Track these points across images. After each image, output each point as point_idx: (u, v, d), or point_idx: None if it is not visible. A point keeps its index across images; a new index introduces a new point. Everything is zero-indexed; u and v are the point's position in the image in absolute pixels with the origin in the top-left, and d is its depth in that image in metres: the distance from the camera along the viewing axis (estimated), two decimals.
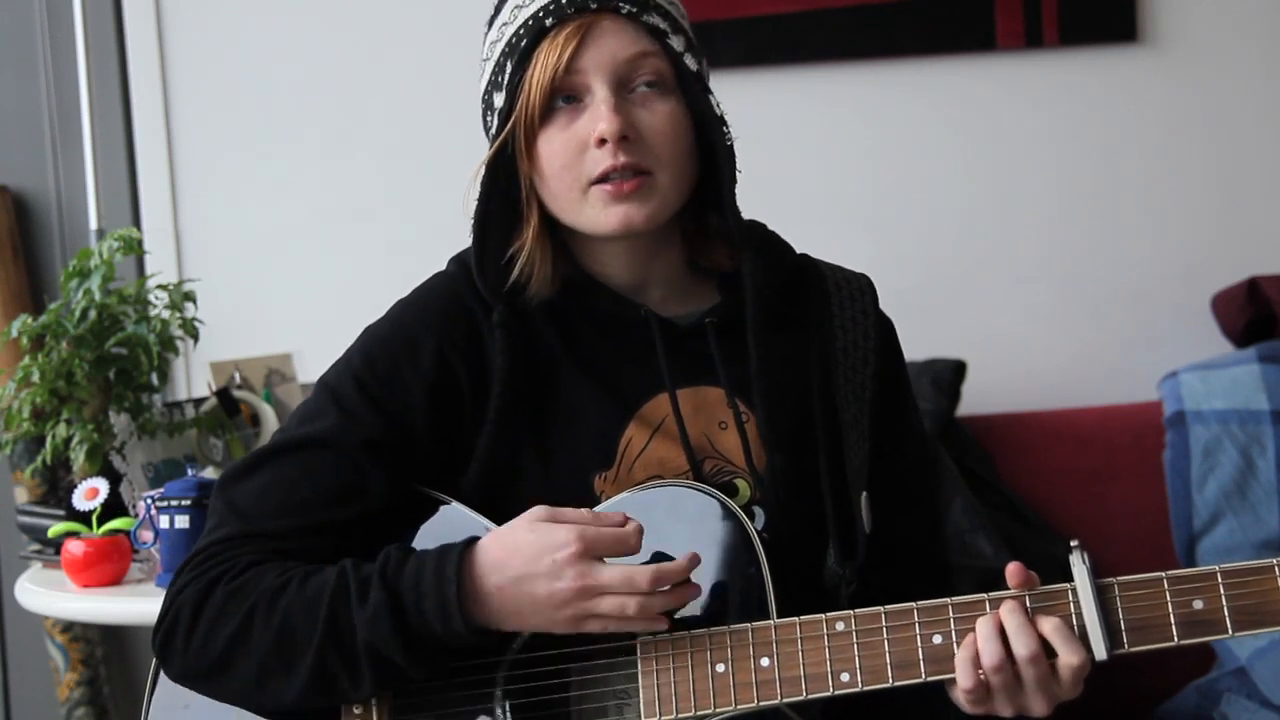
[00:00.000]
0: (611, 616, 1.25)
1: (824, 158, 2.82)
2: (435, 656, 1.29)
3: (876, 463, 1.47)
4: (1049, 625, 1.24)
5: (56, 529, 2.05)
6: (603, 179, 1.36)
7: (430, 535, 1.39)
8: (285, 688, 1.30)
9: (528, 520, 1.29)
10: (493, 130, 1.42)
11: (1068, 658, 1.23)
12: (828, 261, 1.55)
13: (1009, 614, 1.25)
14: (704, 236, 1.49)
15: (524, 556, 1.26)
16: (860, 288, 1.53)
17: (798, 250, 1.54)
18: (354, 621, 1.27)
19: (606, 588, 1.25)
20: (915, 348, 2.57)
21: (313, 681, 1.29)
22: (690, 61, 1.41)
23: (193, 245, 2.85)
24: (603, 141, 1.35)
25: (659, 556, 1.32)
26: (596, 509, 1.35)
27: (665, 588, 1.27)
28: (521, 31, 1.38)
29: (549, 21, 1.37)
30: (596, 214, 1.38)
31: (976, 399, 2.65)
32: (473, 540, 1.30)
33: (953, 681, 1.27)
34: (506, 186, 1.41)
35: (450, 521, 1.39)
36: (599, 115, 1.35)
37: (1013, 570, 1.27)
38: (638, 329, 1.44)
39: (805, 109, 2.81)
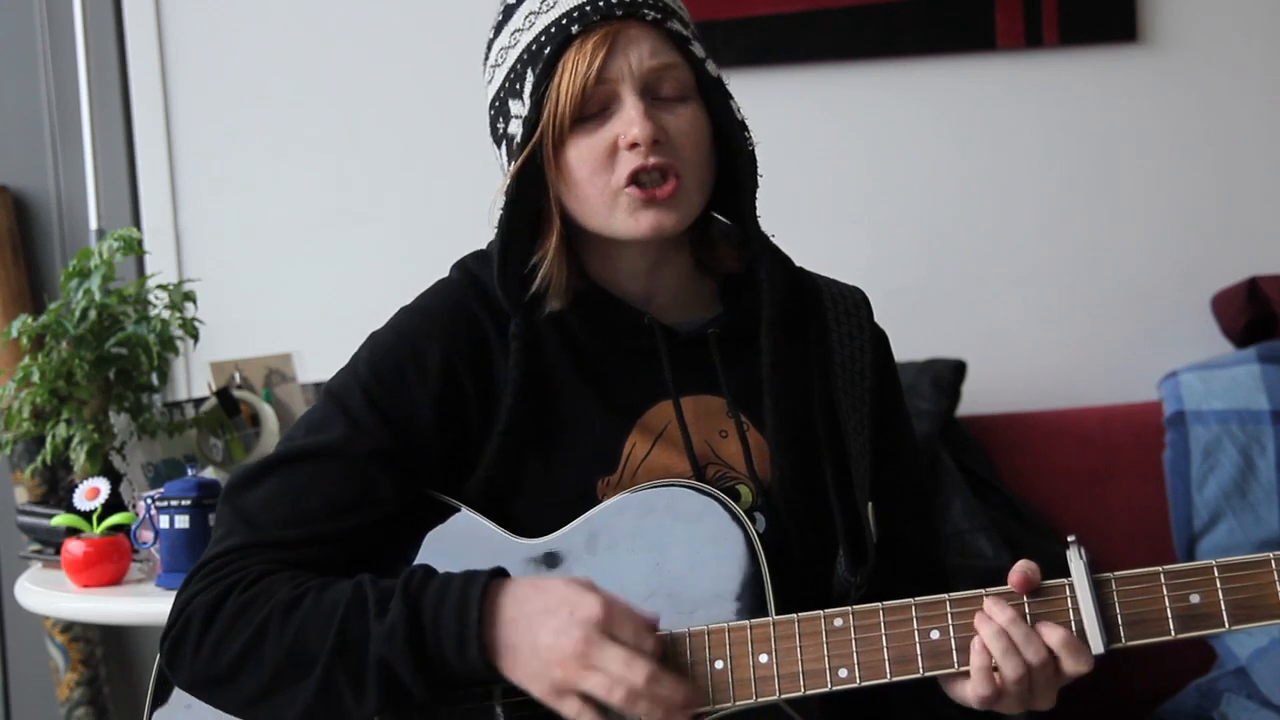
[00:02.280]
0: (597, 698, 1.22)
1: (824, 158, 2.82)
2: (444, 681, 1.27)
3: (875, 473, 1.47)
4: (1055, 637, 1.25)
5: (59, 519, 2.05)
6: (633, 180, 1.36)
7: (440, 541, 1.39)
8: (290, 703, 1.29)
9: (569, 577, 1.29)
10: (517, 139, 1.40)
11: (1074, 667, 1.24)
12: (821, 275, 1.56)
13: (1012, 625, 1.25)
14: (710, 241, 1.49)
15: (547, 600, 1.26)
16: (856, 302, 1.54)
17: (799, 260, 1.55)
18: (368, 634, 1.26)
19: (604, 664, 1.22)
20: (915, 348, 2.61)
21: (317, 696, 1.28)
22: (712, 68, 1.41)
23: (193, 245, 2.86)
24: (634, 145, 1.35)
25: (659, 556, 1.33)
26: (596, 507, 1.36)
27: (661, 695, 1.23)
28: (543, 39, 1.37)
29: (574, 29, 1.35)
30: (626, 219, 1.37)
31: (976, 399, 2.65)
32: (501, 570, 1.30)
33: (951, 679, 1.28)
34: (531, 195, 1.40)
35: (461, 528, 1.39)
36: (630, 120, 1.35)
37: (1016, 577, 1.27)
38: (641, 337, 1.44)
39: (805, 109, 2.81)
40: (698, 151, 1.39)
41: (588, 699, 1.23)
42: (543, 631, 1.24)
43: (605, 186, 1.37)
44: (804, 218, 2.72)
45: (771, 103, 2.78)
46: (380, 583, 1.30)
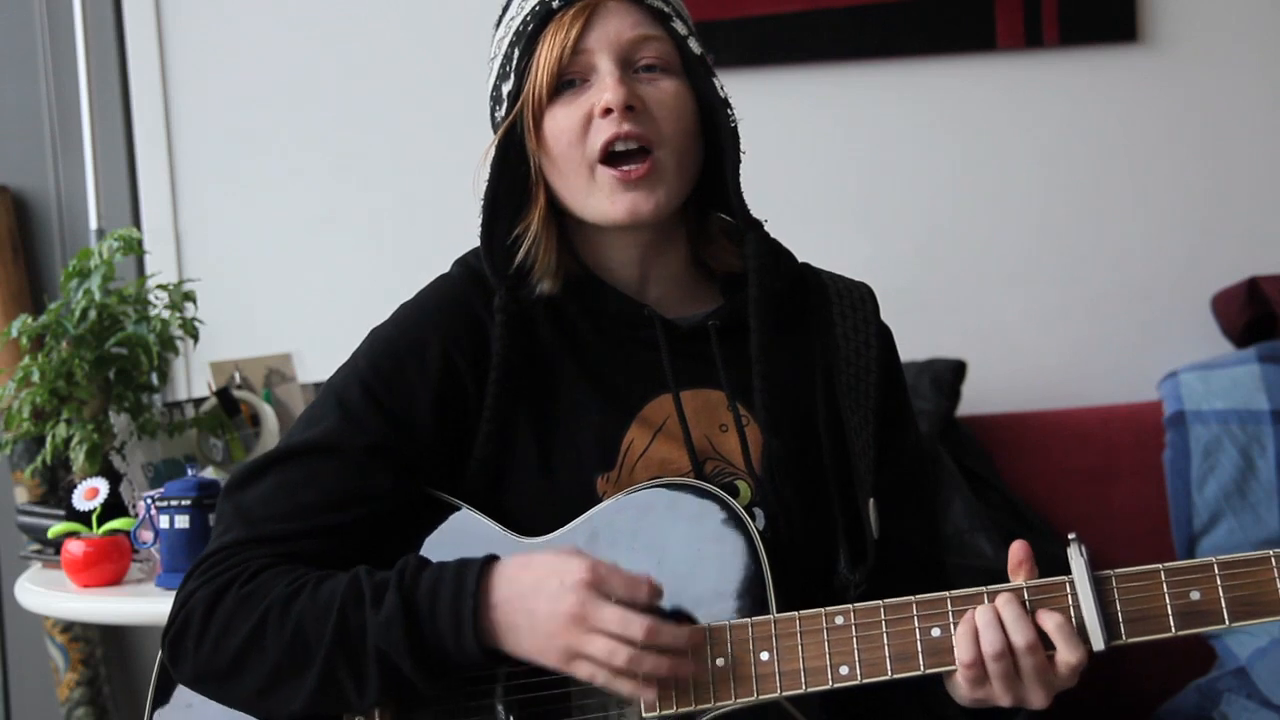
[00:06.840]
0: (600, 662, 1.24)
1: (824, 157, 2.82)
2: (443, 670, 1.28)
3: (877, 470, 1.47)
4: (1051, 622, 1.24)
5: (56, 529, 2.05)
6: (609, 150, 1.37)
7: (440, 539, 1.39)
8: (293, 695, 1.30)
9: (553, 549, 1.29)
10: (501, 113, 1.43)
11: (1067, 655, 1.24)
12: (827, 270, 1.56)
13: (1005, 604, 1.25)
14: (708, 236, 1.50)
15: (535, 574, 1.26)
16: (861, 296, 1.53)
17: (799, 258, 1.55)
18: (365, 626, 1.27)
19: (602, 624, 1.23)
20: (915, 348, 2.61)
21: (319, 688, 1.28)
22: (694, 45, 1.42)
23: (193, 245, 2.86)
24: (608, 112, 1.36)
25: (659, 555, 1.32)
26: (596, 507, 1.36)
27: (663, 644, 1.24)
28: (528, 18, 1.40)
29: (555, 4, 1.39)
30: (603, 201, 1.38)
31: (976, 399, 2.65)
32: (493, 557, 1.30)
33: (951, 676, 1.27)
34: (515, 168, 1.42)
35: (460, 525, 1.39)
36: (604, 87, 1.37)
37: (1015, 548, 1.27)
38: (640, 329, 1.44)
39: (805, 109, 2.81)
40: (677, 125, 1.39)
41: (598, 660, 1.24)
42: (538, 604, 1.25)
43: (582, 159, 1.38)
44: (804, 217, 2.71)
45: (771, 103, 2.78)
46: (376, 574, 1.30)
